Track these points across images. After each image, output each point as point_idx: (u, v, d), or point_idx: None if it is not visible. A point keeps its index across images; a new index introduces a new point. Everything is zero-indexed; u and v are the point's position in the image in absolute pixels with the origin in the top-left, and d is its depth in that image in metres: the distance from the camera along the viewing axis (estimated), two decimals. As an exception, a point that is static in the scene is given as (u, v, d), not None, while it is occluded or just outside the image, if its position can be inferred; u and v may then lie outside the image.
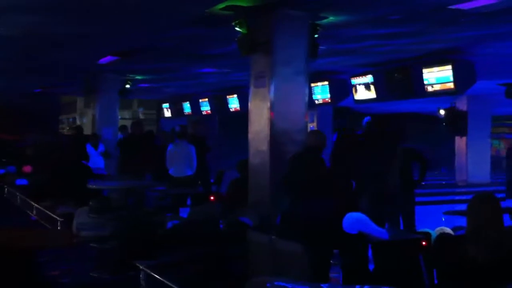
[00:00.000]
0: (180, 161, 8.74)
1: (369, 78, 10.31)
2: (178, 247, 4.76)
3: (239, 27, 6.13)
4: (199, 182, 9.81)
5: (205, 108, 16.12)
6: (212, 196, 7.60)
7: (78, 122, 26.08)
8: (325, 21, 6.47)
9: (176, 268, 4.28)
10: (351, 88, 10.84)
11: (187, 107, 17.15)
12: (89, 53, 9.43)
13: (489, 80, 10.96)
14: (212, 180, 10.48)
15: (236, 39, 6.28)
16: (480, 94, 13.61)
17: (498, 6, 5.82)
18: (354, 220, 3.60)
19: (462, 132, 14.35)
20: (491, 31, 7.18)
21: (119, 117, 12.97)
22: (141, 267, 4.04)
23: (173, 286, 3.58)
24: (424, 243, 3.92)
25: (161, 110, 19.39)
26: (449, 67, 8.74)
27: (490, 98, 14.39)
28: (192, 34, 7.54)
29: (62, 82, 14.13)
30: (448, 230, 4.75)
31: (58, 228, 7.51)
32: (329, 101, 11.61)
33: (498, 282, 2.95)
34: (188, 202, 8.82)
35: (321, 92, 11.66)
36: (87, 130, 13.60)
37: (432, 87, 9.07)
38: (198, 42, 8.20)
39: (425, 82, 9.12)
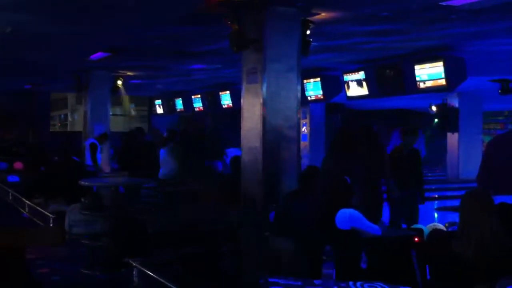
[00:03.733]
0: (170, 164, 8.89)
1: (361, 75, 10.32)
2: (171, 244, 4.75)
3: (230, 24, 6.12)
4: (190, 180, 9.82)
5: (198, 104, 16.09)
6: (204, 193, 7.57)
7: (69, 119, 25.95)
8: (317, 17, 6.46)
9: (169, 265, 4.27)
10: (343, 84, 10.86)
11: (179, 103, 17.10)
12: (80, 50, 9.38)
13: (480, 76, 11.00)
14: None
15: (227, 35, 6.26)
16: (471, 91, 13.66)
17: (489, 2, 5.83)
18: (347, 216, 3.61)
19: (454, 129, 14.41)
20: (482, 28, 7.20)
21: (111, 113, 12.93)
22: (134, 264, 4.03)
23: (166, 283, 3.57)
24: (416, 239, 3.93)
25: (153, 106, 19.33)
26: (441, 63, 8.77)
27: (481, 95, 14.45)
28: (183, 30, 7.52)
29: (52, 79, 14.05)
30: (440, 226, 4.76)
31: (50, 225, 7.47)
32: (322, 97, 11.62)
33: (488, 278, 2.97)
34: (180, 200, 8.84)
35: (313, 88, 11.67)
36: (79, 127, 13.55)
37: (424, 83, 9.09)
38: (189, 39, 8.18)
39: (417, 78, 9.14)
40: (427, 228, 4.38)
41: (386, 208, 6.57)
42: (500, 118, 20.51)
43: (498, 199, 4.16)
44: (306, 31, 6.28)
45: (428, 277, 3.47)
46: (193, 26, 7.18)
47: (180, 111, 17.31)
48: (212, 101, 15.12)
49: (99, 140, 11.11)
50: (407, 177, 6.62)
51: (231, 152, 8.36)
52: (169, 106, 17.77)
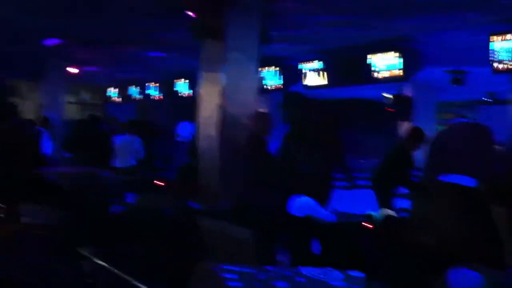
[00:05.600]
0: (126, 153, 8.82)
1: (319, 64, 10.39)
2: (125, 233, 4.68)
3: (191, 12, 6.05)
4: (147, 168, 9.73)
5: (154, 93, 15.91)
6: (160, 182, 7.52)
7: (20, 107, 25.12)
8: (277, 7, 6.46)
9: (123, 255, 4.20)
10: (301, 74, 10.91)
11: (135, 92, 16.88)
12: (34, 36, 9.12)
13: (435, 67, 11.23)
14: (161, 166, 10.40)
15: (187, 23, 6.19)
16: (425, 81, 13.94)
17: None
18: (302, 204, 3.64)
19: (408, 118, 14.66)
20: (438, 19, 7.34)
21: (65, 101, 12.66)
22: (86, 255, 3.95)
23: (119, 273, 3.52)
24: (368, 225, 3.99)
25: (108, 94, 19.01)
26: (397, 54, 8.92)
27: (435, 85, 14.76)
28: (142, 17, 7.39)
29: (4, 66, 13.62)
30: (391, 212, 4.84)
31: (1, 215, 7.25)
32: (280, 86, 11.65)
33: (439, 265, 3.03)
34: (136, 188, 8.76)
35: (271, 77, 11.68)
36: (30, 115, 13.17)
37: (380, 73, 9.23)
38: (147, 26, 8.05)
39: (374, 68, 9.27)
40: (378, 215, 4.44)
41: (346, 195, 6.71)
42: (453, 108, 21.02)
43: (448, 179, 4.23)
44: (266, 20, 6.27)
45: (380, 262, 3.53)
46: (152, 13, 7.06)
47: (136, 100, 17.09)
48: (169, 89, 14.97)
49: (42, 125, 10.80)
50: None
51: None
52: (124, 94, 17.52)
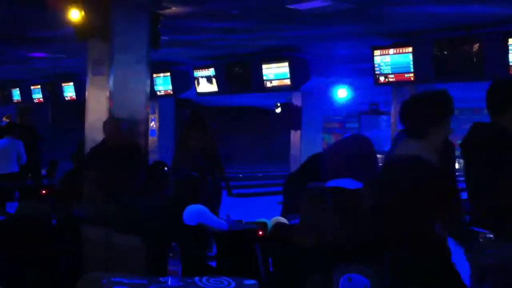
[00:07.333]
0: (6, 158, 8.29)
1: (211, 71, 10.41)
2: (5, 244, 4.37)
3: (75, 10, 5.80)
4: (29, 175, 9.23)
5: (37, 95, 15.13)
6: (43, 189, 7.17)
7: None
8: (167, 10, 6.38)
9: (2, 267, 3.93)
10: (193, 80, 10.87)
11: (16, 94, 15.97)
12: None
13: (322, 77, 11.69)
14: (44, 173, 9.91)
15: (72, 22, 5.93)
16: (313, 91, 14.47)
17: (330, 8, 6.20)
18: (194, 212, 3.60)
19: (296, 127, 15.10)
20: (324, 32, 7.64)
21: None
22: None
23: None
24: (260, 232, 4.04)
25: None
26: (286, 64, 9.15)
27: (322, 95, 15.37)
28: (22, 13, 6.98)
29: None
30: (282, 219, 4.94)
31: None
32: (171, 92, 11.53)
33: (326, 267, 3.12)
34: (16, 196, 8.25)
35: (163, 83, 11.54)
36: None
37: (271, 82, 9.42)
38: (29, 24, 7.62)
39: (264, 77, 9.44)
40: (270, 222, 4.52)
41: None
42: (338, 117, 22.00)
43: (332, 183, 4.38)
44: (156, 23, 6.18)
45: (271, 268, 3.58)
46: (33, 9, 6.68)
47: (17, 102, 16.16)
48: (53, 92, 14.32)
49: None
50: None
51: None
52: (4, 96, 16.50)
